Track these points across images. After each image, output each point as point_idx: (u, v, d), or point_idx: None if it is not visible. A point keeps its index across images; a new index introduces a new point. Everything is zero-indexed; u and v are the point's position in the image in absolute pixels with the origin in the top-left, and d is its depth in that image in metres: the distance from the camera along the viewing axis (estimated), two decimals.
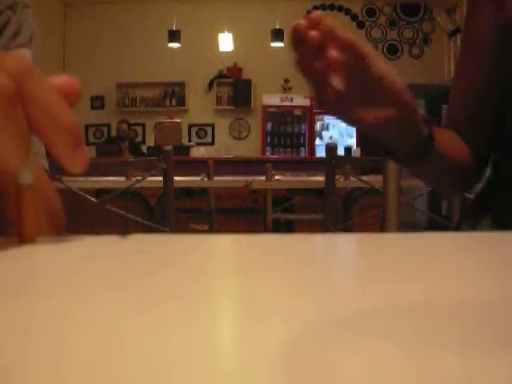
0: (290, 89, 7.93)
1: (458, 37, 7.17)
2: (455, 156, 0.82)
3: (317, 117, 7.85)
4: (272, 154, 7.65)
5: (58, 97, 0.33)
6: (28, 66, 0.32)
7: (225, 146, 7.77)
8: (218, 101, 8.06)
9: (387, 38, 8.10)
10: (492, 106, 0.84)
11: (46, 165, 0.60)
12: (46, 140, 0.33)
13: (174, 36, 7.54)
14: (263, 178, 3.20)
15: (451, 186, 0.94)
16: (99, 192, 2.85)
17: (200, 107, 8.05)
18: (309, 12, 7.99)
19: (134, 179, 2.56)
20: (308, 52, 0.65)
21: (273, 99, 7.86)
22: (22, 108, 0.32)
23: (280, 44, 7.54)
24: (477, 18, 0.83)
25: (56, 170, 0.40)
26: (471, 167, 0.84)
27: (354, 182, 2.77)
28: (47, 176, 0.41)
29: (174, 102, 8.04)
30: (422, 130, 0.73)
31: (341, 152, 5.90)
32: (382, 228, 1.98)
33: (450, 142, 0.83)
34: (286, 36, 7.54)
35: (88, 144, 7.62)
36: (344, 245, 0.40)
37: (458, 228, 0.87)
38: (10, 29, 0.63)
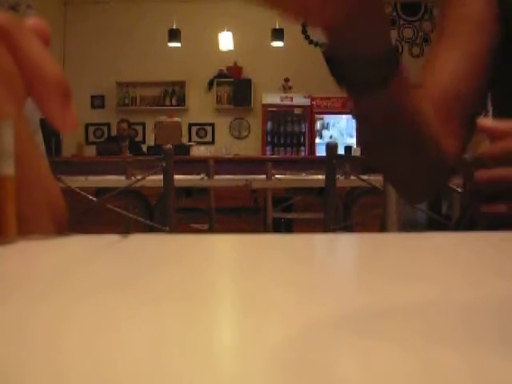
0: (290, 88, 7.93)
1: None
2: (428, 123, 0.70)
3: (317, 116, 7.85)
4: (272, 154, 7.66)
5: (43, 47, 0.33)
6: (14, 21, 0.32)
7: (225, 145, 7.77)
8: (218, 100, 8.06)
9: None
10: (481, 91, 0.77)
11: (46, 162, 0.60)
12: (35, 94, 0.32)
13: (174, 35, 7.54)
14: (263, 177, 3.20)
15: (418, 172, 0.75)
16: (99, 191, 2.85)
17: (200, 106, 8.05)
18: None
19: (134, 178, 2.56)
20: None
21: (273, 98, 7.86)
22: (6, 52, 0.31)
23: (280, 43, 7.54)
24: None
25: (56, 169, 0.39)
26: (445, 153, 0.73)
27: (354, 181, 2.77)
28: (50, 174, 0.40)
29: (174, 101, 8.04)
30: (386, 38, 0.62)
31: (341, 151, 5.89)
32: (382, 227, 1.98)
33: (422, 98, 0.72)
34: (286, 35, 7.55)
35: (88, 143, 7.63)
36: (344, 244, 0.40)
37: (457, 225, 0.85)
38: None
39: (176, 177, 2.43)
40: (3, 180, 0.31)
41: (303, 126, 7.90)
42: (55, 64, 0.33)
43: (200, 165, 3.80)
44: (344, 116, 7.84)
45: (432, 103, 0.74)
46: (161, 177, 2.37)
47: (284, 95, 7.88)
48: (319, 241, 0.42)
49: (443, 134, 0.73)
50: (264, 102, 7.85)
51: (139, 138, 7.84)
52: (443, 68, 0.77)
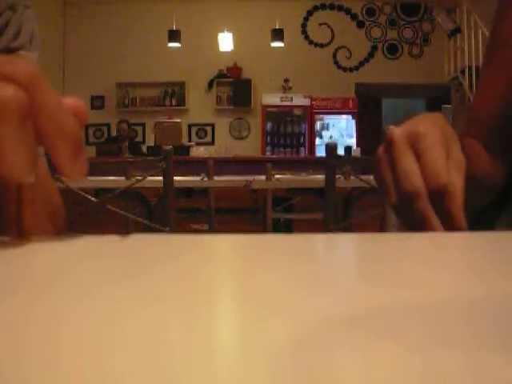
0: (289, 88, 7.94)
1: (458, 36, 7.17)
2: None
3: (317, 116, 7.86)
4: (272, 154, 7.66)
5: (63, 105, 0.34)
6: (36, 72, 0.33)
7: (225, 145, 7.78)
8: (218, 100, 8.06)
9: (387, 38, 8.11)
10: None
11: (45, 163, 0.60)
12: (49, 146, 0.33)
13: (173, 36, 7.54)
14: (263, 177, 3.20)
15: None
16: (99, 192, 2.85)
17: (200, 107, 8.06)
18: (309, 12, 8.01)
19: (134, 179, 2.56)
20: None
21: (273, 99, 7.86)
22: (31, 117, 0.32)
23: (280, 44, 7.55)
24: None
25: (55, 169, 0.40)
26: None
27: (353, 181, 2.77)
28: (48, 174, 0.41)
29: (173, 101, 8.05)
30: None
31: (341, 152, 5.90)
32: (381, 228, 1.98)
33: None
34: (286, 36, 7.56)
35: (88, 144, 7.63)
36: (344, 244, 0.40)
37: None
38: (10, 29, 0.63)
39: (176, 177, 2.43)
40: (26, 186, 0.33)
41: (303, 126, 7.90)
42: (72, 118, 0.34)
43: (200, 165, 3.80)
44: (344, 116, 7.85)
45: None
46: (161, 177, 2.37)
47: (284, 95, 7.89)
48: (319, 241, 0.42)
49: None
50: (264, 102, 7.85)
51: (139, 139, 7.84)
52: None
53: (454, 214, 0.53)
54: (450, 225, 0.52)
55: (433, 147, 0.55)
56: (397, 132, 0.56)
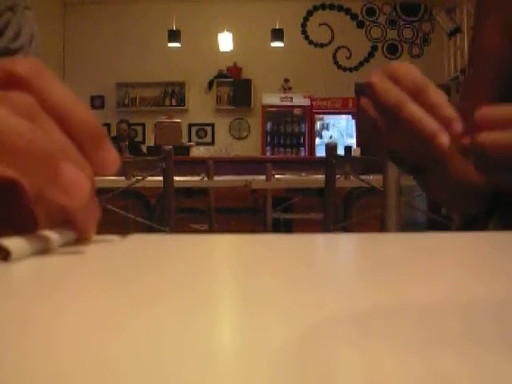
0: (289, 88, 7.93)
1: (458, 36, 7.17)
2: None
3: (317, 116, 7.85)
4: (272, 154, 7.65)
5: (71, 94, 0.31)
6: (39, 63, 0.30)
7: (225, 145, 7.77)
8: (218, 100, 8.06)
9: (387, 38, 8.10)
10: None
11: None
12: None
13: (173, 36, 7.54)
14: (263, 177, 3.20)
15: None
16: (99, 191, 2.84)
17: (200, 107, 8.05)
18: (309, 12, 8.00)
19: (133, 179, 2.55)
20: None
21: (273, 99, 7.86)
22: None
23: (280, 44, 7.54)
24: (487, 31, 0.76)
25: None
26: None
27: (353, 181, 2.77)
28: None
29: (173, 101, 8.04)
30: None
31: (341, 151, 5.89)
32: (382, 228, 1.98)
33: None
34: (286, 36, 7.56)
35: None
36: (344, 245, 0.40)
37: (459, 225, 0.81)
38: (10, 30, 0.63)
39: (176, 177, 2.43)
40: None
41: (303, 126, 7.90)
42: (84, 107, 0.30)
43: (200, 165, 3.80)
44: (344, 116, 7.84)
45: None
46: (161, 177, 2.37)
47: (284, 95, 7.88)
48: (319, 241, 0.42)
49: None
50: (264, 102, 7.85)
51: (139, 139, 7.83)
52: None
53: (440, 103, 0.51)
54: (440, 117, 0.50)
55: (408, 71, 0.53)
56: (372, 76, 0.55)
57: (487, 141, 0.47)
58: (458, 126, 0.50)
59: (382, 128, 0.55)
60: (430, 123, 0.50)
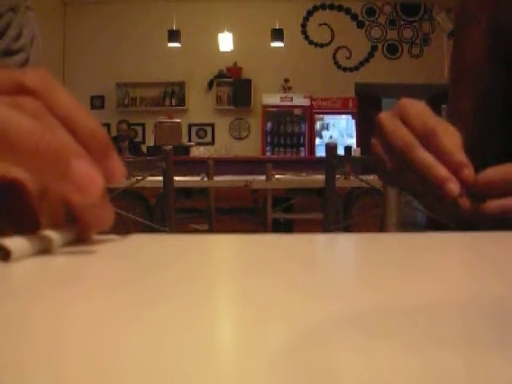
0: (289, 88, 7.93)
1: None
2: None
3: (317, 116, 7.86)
4: (272, 154, 7.66)
5: (79, 105, 0.31)
6: (47, 74, 0.31)
7: (225, 145, 7.78)
8: (218, 100, 8.06)
9: (387, 38, 8.11)
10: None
11: None
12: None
13: (173, 36, 7.54)
14: (263, 177, 3.20)
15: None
16: None
17: (200, 107, 8.05)
18: (309, 12, 8.01)
19: (134, 179, 2.55)
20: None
21: (273, 99, 7.86)
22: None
23: (280, 44, 7.54)
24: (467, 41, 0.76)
25: None
26: None
27: (353, 181, 2.77)
28: None
29: (173, 101, 8.04)
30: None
31: (341, 152, 5.89)
32: (381, 228, 1.98)
33: None
34: (286, 36, 7.56)
35: None
36: (344, 245, 0.40)
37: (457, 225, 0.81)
38: (11, 31, 0.63)
39: (176, 177, 2.43)
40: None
41: (303, 126, 7.90)
42: (92, 118, 0.31)
43: (200, 165, 3.80)
44: (344, 116, 7.84)
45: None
46: (161, 177, 2.36)
47: (284, 95, 7.89)
48: (319, 241, 0.42)
49: None
50: (264, 102, 7.85)
51: (139, 139, 7.84)
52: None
53: (451, 149, 0.50)
54: (450, 164, 0.49)
55: (420, 113, 0.53)
56: (382, 115, 0.55)
57: (493, 207, 0.49)
58: (469, 173, 0.49)
59: (390, 168, 0.54)
60: (439, 170, 0.49)
